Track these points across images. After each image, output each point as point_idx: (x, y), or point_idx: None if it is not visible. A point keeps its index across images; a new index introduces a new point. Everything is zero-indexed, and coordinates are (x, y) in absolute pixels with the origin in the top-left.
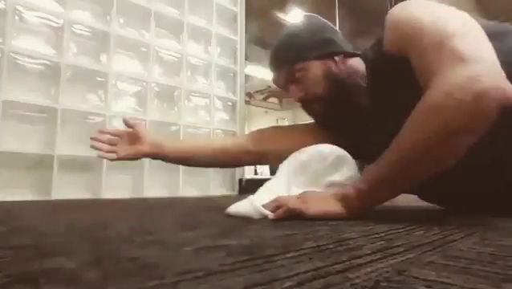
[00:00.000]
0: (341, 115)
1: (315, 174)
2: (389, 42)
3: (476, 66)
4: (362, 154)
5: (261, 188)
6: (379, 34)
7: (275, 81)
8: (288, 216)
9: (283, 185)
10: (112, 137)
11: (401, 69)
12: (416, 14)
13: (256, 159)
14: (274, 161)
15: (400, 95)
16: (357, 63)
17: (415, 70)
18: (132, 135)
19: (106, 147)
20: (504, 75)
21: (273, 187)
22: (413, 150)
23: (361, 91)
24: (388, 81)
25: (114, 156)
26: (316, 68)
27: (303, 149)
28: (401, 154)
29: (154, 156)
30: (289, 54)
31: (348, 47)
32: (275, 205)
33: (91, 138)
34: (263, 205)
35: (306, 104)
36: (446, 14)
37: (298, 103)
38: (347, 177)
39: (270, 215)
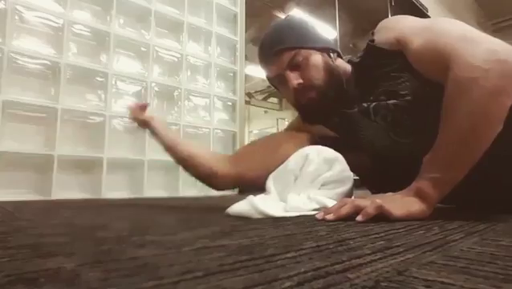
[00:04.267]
0: (330, 108)
1: (309, 177)
2: (382, 39)
3: (489, 44)
4: (344, 149)
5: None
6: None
7: (270, 69)
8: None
9: (277, 195)
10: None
11: (390, 62)
12: (415, 18)
13: (233, 179)
14: (255, 178)
15: (386, 88)
16: (346, 66)
17: (416, 60)
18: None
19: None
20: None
21: (267, 197)
22: (468, 121)
23: (348, 90)
24: (374, 74)
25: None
26: (317, 58)
27: (289, 159)
28: (458, 130)
29: (146, 121)
30: (291, 40)
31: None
32: (340, 205)
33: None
34: (328, 207)
35: (302, 92)
36: (436, 19)
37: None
38: (339, 171)
39: (330, 216)
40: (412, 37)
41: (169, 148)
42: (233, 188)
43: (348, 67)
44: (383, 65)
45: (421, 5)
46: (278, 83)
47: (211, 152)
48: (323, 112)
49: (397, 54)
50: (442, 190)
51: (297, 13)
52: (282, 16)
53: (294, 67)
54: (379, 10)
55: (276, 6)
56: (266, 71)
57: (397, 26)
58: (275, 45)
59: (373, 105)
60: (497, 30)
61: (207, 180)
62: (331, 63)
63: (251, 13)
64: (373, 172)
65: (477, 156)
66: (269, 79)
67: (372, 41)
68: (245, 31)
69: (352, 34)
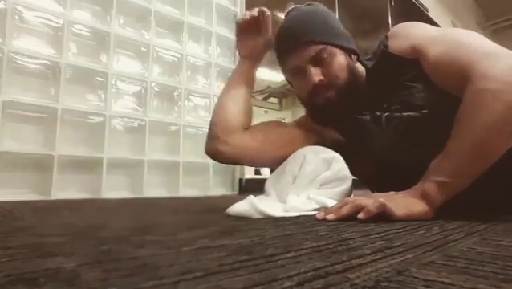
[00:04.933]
0: (343, 111)
1: (307, 177)
2: (397, 47)
3: (510, 58)
4: (351, 154)
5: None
6: (376, 48)
7: (289, 58)
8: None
9: (276, 197)
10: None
11: (405, 71)
12: (429, 27)
13: (238, 158)
14: (257, 163)
15: (400, 98)
16: (362, 69)
17: (433, 70)
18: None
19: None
20: None
21: (266, 198)
22: (482, 133)
23: (360, 94)
24: (388, 81)
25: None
26: (342, 58)
27: (287, 160)
28: (471, 140)
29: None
30: (321, 33)
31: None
32: (340, 205)
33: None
34: (327, 206)
35: (321, 90)
36: (450, 29)
37: (298, 102)
38: (337, 171)
39: (330, 216)
40: (430, 46)
41: (239, 84)
42: (232, 164)
43: (363, 71)
44: (397, 73)
45: (421, 5)
46: (293, 74)
47: (245, 123)
48: (336, 115)
49: (413, 63)
50: (447, 195)
51: None
52: (282, 16)
53: (317, 62)
54: (380, 10)
55: (276, 5)
56: (284, 59)
57: (413, 34)
58: (302, 35)
59: (386, 115)
60: (496, 30)
61: (215, 141)
62: (353, 65)
63: None
64: (378, 177)
65: (486, 167)
66: (284, 68)
67: (386, 47)
68: None
69: (352, 34)
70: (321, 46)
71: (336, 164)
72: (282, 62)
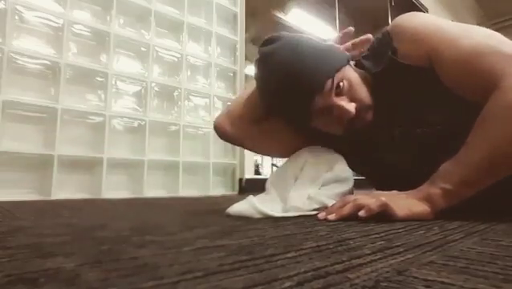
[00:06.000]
0: (379, 124)
1: (309, 177)
2: (407, 53)
3: None
4: (356, 162)
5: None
6: (376, 46)
7: (311, 104)
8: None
9: (277, 195)
10: None
11: (416, 80)
12: (437, 23)
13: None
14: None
15: (413, 113)
16: (365, 74)
17: (450, 77)
18: None
19: None
20: None
21: (267, 197)
22: (500, 150)
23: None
24: (396, 91)
25: None
26: (352, 74)
27: (289, 159)
28: (487, 155)
29: None
30: (325, 65)
31: None
32: (341, 204)
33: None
34: (328, 207)
35: (359, 117)
36: (464, 25)
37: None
38: (339, 171)
39: (332, 216)
40: (445, 52)
41: None
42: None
43: (366, 75)
44: (409, 85)
45: (421, 5)
46: (319, 116)
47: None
48: (373, 131)
49: (426, 73)
50: (450, 202)
51: (297, 13)
52: (282, 16)
53: (339, 93)
54: (380, 10)
55: (276, 5)
56: (298, 108)
57: (424, 36)
58: (312, 77)
59: (399, 130)
60: (496, 30)
61: (225, 118)
62: (359, 72)
63: (251, 13)
64: (385, 181)
65: (494, 182)
66: (296, 116)
67: (394, 52)
68: (245, 31)
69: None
70: (333, 77)
71: (338, 166)
72: (295, 111)
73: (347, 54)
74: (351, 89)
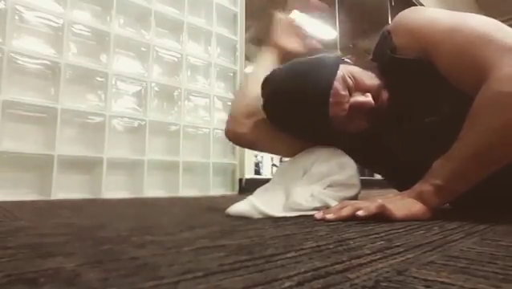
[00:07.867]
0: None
1: (317, 175)
2: (405, 47)
3: None
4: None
5: (258, 190)
6: (379, 43)
7: (335, 110)
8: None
9: (282, 186)
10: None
11: (417, 74)
12: (436, 14)
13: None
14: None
15: (420, 104)
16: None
17: (446, 68)
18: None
19: None
20: None
21: (271, 188)
22: (488, 142)
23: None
24: (400, 84)
25: None
26: (349, 67)
27: (301, 153)
28: (476, 148)
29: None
30: (327, 71)
31: None
32: (341, 207)
33: None
34: (328, 208)
35: (377, 102)
36: (461, 14)
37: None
38: (348, 176)
39: (330, 216)
40: (442, 44)
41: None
42: (248, 147)
43: (368, 64)
44: (410, 76)
45: (421, 5)
46: (339, 118)
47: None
48: (388, 121)
49: (426, 66)
50: (443, 199)
51: (297, 13)
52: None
53: (349, 90)
54: (380, 10)
55: (276, 5)
56: (319, 115)
57: (420, 30)
58: (317, 84)
59: (408, 122)
60: None
61: (234, 122)
62: (357, 65)
63: (251, 13)
64: (394, 174)
65: (485, 175)
66: (315, 124)
67: (393, 50)
68: (245, 31)
69: (352, 34)
70: (336, 75)
71: (348, 170)
72: (314, 121)
73: (338, 54)
74: (357, 80)
